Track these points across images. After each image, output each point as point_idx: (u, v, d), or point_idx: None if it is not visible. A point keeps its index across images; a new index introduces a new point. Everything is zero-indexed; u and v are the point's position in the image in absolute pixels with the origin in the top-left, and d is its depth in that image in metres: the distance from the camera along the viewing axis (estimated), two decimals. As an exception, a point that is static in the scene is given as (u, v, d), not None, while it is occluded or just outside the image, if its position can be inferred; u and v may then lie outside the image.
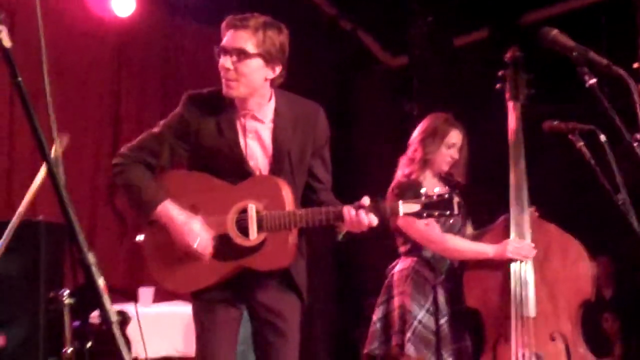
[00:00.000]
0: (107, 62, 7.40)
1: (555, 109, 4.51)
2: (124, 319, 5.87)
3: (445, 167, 5.14)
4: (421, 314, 4.94)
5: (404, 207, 3.87)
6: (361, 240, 3.88)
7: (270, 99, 4.03)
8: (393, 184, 5.14)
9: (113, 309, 2.01)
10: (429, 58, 8.69)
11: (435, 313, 4.96)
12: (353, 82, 9.67)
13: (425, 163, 5.11)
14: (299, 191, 4.09)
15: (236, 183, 3.97)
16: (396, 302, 5.01)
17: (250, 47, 3.88)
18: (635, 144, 3.14)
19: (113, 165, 4.01)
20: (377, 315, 5.10)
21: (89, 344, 2.11)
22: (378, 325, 5.07)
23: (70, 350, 2.08)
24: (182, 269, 4.00)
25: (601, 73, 3.24)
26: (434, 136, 5.12)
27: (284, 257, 3.98)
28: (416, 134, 5.19)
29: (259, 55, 3.88)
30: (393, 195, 5.07)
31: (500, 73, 5.22)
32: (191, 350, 5.86)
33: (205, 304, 4.07)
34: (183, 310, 6.15)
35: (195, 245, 3.88)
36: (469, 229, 5.24)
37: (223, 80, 3.92)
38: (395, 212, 3.90)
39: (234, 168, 4.00)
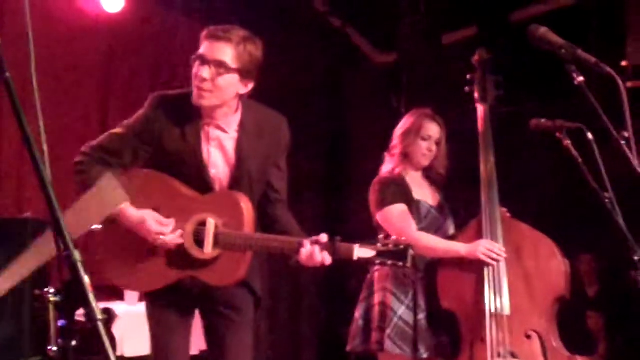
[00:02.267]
0: (96, 58, 7.39)
1: (542, 107, 4.52)
2: (110, 317, 5.87)
3: (424, 161, 5.15)
4: (401, 310, 4.96)
5: (358, 252, 3.88)
6: (348, 240, 3.87)
7: (236, 111, 4.06)
8: (375, 179, 5.16)
9: (99, 307, 2.00)
10: (417, 55, 8.70)
11: (414, 308, 4.97)
12: (342, 79, 9.68)
13: (404, 157, 5.13)
14: (257, 203, 4.13)
15: (199, 192, 4.01)
16: (376, 298, 5.03)
17: (230, 61, 3.89)
18: (622, 142, 3.15)
19: (74, 164, 3.99)
20: (359, 312, 5.11)
21: (74, 342, 2.10)
22: (360, 322, 5.09)
23: (55, 348, 2.07)
24: (134, 269, 4.03)
25: (589, 71, 3.25)
26: (410, 130, 5.16)
27: (235, 275, 4.01)
28: (397, 129, 5.22)
29: (237, 70, 3.91)
30: (374, 190, 5.10)
31: (468, 76, 5.24)
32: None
33: (159, 307, 4.12)
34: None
35: (161, 239, 3.90)
36: (451, 230, 5.24)
37: (195, 89, 3.93)
38: (349, 255, 3.89)
39: (195, 175, 4.03)
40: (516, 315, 4.81)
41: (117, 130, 4.06)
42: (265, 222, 4.17)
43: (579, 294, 7.77)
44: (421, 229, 4.99)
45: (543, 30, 3.39)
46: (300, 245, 3.88)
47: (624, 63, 7.34)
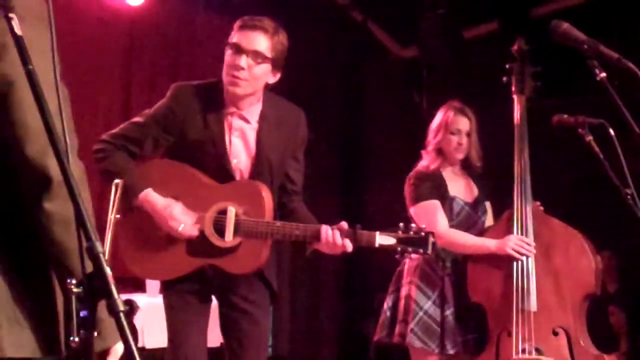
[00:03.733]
0: (118, 50, 7.41)
1: (564, 103, 4.51)
2: (132, 309, 5.89)
3: (457, 155, 5.15)
4: (427, 305, 4.96)
5: (380, 239, 3.95)
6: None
7: (259, 101, 4.10)
8: (411, 174, 5.15)
9: (120, 298, 2.01)
10: (439, 50, 8.68)
11: (442, 304, 4.97)
12: (363, 73, 9.67)
13: (438, 153, 5.13)
14: (275, 193, 4.16)
15: (218, 181, 4.04)
16: (404, 291, 5.04)
17: (266, 51, 3.95)
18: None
19: (95, 151, 4.00)
20: (387, 304, 5.13)
21: (95, 334, 2.11)
22: (388, 313, 5.11)
23: (77, 339, 2.08)
24: (154, 257, 4.07)
25: (611, 67, 3.24)
26: (440, 125, 5.17)
27: (255, 263, 4.04)
28: (431, 125, 5.23)
29: (271, 60, 3.97)
30: (409, 184, 5.10)
31: (507, 66, 5.21)
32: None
33: (176, 293, 4.14)
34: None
35: (180, 229, 3.94)
36: (486, 226, 5.22)
37: (229, 77, 3.98)
38: (370, 243, 3.97)
39: (215, 164, 4.06)
40: (544, 311, 4.80)
41: (138, 119, 4.11)
42: (283, 213, 4.20)
43: (600, 290, 7.76)
44: (452, 226, 4.99)
45: (565, 25, 3.37)
46: (320, 233, 3.93)
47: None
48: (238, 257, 4.01)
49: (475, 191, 5.19)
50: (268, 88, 4.11)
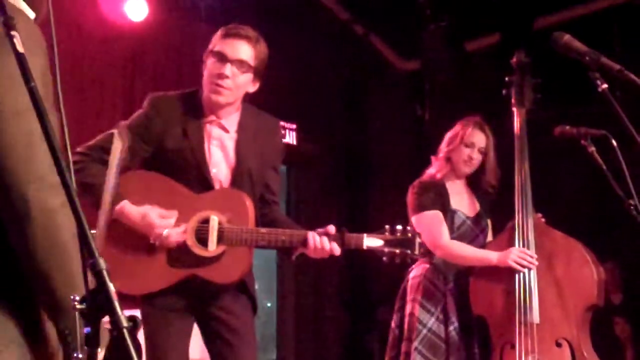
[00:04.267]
0: (121, 65, 7.41)
1: (566, 114, 4.51)
2: (135, 325, 5.87)
3: (465, 168, 5.14)
4: (431, 322, 4.94)
5: (367, 241, 3.96)
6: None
7: (237, 110, 4.10)
8: (415, 182, 5.14)
9: (124, 314, 2.01)
10: (441, 62, 8.69)
11: (445, 320, 4.95)
12: (366, 86, 9.68)
13: (447, 161, 5.13)
14: (257, 203, 4.12)
15: (198, 191, 3.99)
16: (408, 309, 5.03)
17: (250, 60, 3.96)
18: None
19: (73, 163, 3.90)
20: (395, 322, 5.13)
21: (99, 350, 2.11)
22: (396, 332, 5.10)
23: (81, 355, 2.08)
24: (134, 270, 3.96)
25: (613, 78, 3.24)
26: (456, 135, 5.17)
27: (240, 271, 4.01)
28: (447, 134, 5.23)
29: (253, 69, 3.98)
30: (412, 193, 5.09)
31: (506, 78, 5.21)
32: (199, 355, 5.88)
33: (158, 311, 4.03)
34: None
35: (165, 233, 3.86)
36: (486, 242, 5.21)
37: (212, 86, 3.98)
38: (359, 245, 3.97)
39: (194, 174, 4.01)
40: (546, 323, 4.79)
41: (115, 130, 4.03)
42: (264, 222, 4.14)
43: (604, 301, 7.75)
44: (452, 239, 4.97)
45: (567, 37, 3.38)
46: (307, 239, 3.91)
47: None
48: (222, 266, 3.96)
49: (477, 206, 5.18)
50: (246, 99, 4.11)
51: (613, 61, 3.27)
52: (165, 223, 3.87)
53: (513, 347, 4.79)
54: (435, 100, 8.54)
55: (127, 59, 7.40)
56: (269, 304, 8.95)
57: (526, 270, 4.83)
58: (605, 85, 3.25)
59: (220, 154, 4.05)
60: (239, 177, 4.05)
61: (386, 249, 3.95)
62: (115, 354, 1.99)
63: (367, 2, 8.61)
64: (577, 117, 4.24)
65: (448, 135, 5.21)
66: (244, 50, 3.97)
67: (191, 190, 4.00)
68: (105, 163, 3.71)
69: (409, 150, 5.19)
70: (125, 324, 1.98)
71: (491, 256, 4.91)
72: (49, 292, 2.33)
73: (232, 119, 4.08)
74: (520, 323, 4.78)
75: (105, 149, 3.81)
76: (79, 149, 3.95)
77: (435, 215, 4.98)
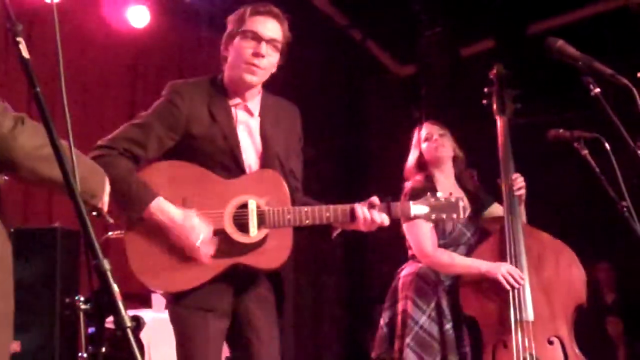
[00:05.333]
0: (123, 71, 7.43)
1: (559, 118, 4.51)
2: (138, 324, 5.88)
3: (437, 153, 5.10)
4: (422, 319, 4.91)
5: (414, 209, 3.85)
6: (371, 247, 3.86)
7: (259, 93, 3.92)
8: (406, 189, 5.12)
9: (127, 314, 2.01)
10: (436, 67, 8.71)
11: (439, 318, 4.94)
12: (363, 90, 9.69)
13: (419, 169, 5.12)
14: None
15: (229, 177, 3.76)
16: (400, 306, 5.00)
17: (281, 39, 3.79)
18: (638, 152, 3.14)
19: (94, 157, 3.54)
20: (384, 319, 5.08)
21: (103, 349, 2.11)
22: (385, 329, 5.06)
23: (85, 355, 2.09)
24: (174, 266, 3.69)
25: (606, 82, 3.25)
26: (413, 146, 5.23)
27: (284, 254, 3.76)
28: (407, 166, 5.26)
29: (281, 49, 3.81)
30: (405, 200, 5.06)
31: (485, 90, 5.21)
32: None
33: (194, 312, 3.75)
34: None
35: (198, 243, 3.61)
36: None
37: (247, 66, 3.75)
38: (406, 213, 3.86)
39: (226, 159, 3.78)
40: (538, 321, 4.78)
41: (137, 120, 3.80)
42: None
43: (597, 300, 7.77)
44: (443, 244, 4.96)
45: (560, 42, 3.39)
46: (354, 210, 3.76)
47: (639, 74, 7.32)
48: (267, 251, 3.73)
49: (470, 209, 5.16)
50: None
51: (605, 66, 3.28)
52: (204, 230, 3.63)
53: (506, 346, 4.76)
54: (431, 104, 8.54)
55: (129, 64, 7.41)
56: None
57: (510, 288, 4.81)
58: (597, 89, 3.26)
59: (248, 138, 3.84)
60: (269, 161, 3.84)
61: (433, 215, 3.86)
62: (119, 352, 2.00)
63: (364, 8, 8.61)
64: (572, 121, 4.23)
65: (408, 164, 5.25)
66: (276, 29, 3.78)
67: (223, 176, 3.74)
68: (131, 156, 3.67)
69: (407, 152, 5.18)
70: (128, 323, 1.98)
71: (480, 265, 4.88)
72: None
73: (255, 102, 3.88)
74: (515, 321, 4.78)
75: (130, 140, 3.70)
76: (100, 142, 3.70)
77: (424, 224, 4.96)
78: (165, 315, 6.12)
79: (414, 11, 8.54)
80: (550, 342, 4.78)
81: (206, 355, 3.75)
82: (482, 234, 5.16)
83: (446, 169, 5.10)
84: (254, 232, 3.69)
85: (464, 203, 3.89)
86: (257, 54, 3.72)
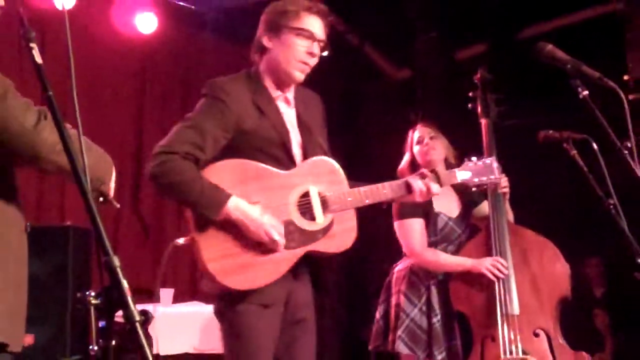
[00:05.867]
0: (131, 76, 7.43)
1: (549, 119, 4.51)
2: (147, 318, 5.86)
3: (427, 157, 5.09)
4: (414, 312, 4.93)
5: (459, 175, 3.96)
6: (368, 246, 3.85)
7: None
8: None
9: (136, 308, 2.01)
10: (431, 71, 8.71)
11: (428, 312, 4.95)
12: (361, 93, 9.68)
13: (413, 167, 5.13)
14: None
15: (281, 168, 3.67)
16: (394, 300, 5.02)
17: (326, 41, 3.76)
18: (625, 152, 3.15)
19: (158, 164, 3.48)
20: (379, 312, 5.10)
21: (113, 342, 2.11)
22: (380, 322, 5.07)
23: (96, 348, 2.09)
24: (253, 263, 3.58)
25: (593, 85, 3.25)
26: (405, 149, 5.25)
27: (352, 236, 3.74)
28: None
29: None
30: (397, 207, 5.06)
31: (470, 94, 5.21)
32: (207, 347, 5.88)
33: (256, 308, 3.60)
34: (200, 310, 6.20)
35: (277, 236, 3.52)
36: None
37: (300, 64, 3.70)
38: (453, 180, 3.97)
39: (278, 151, 3.69)
40: (524, 314, 4.80)
41: (189, 122, 3.62)
42: None
43: (586, 294, 7.78)
44: (435, 241, 4.96)
45: (549, 47, 3.40)
46: (410, 183, 3.79)
47: (625, 77, 7.33)
48: (335, 235, 3.69)
49: (461, 206, 5.17)
50: None
51: (593, 69, 3.28)
52: (277, 225, 3.55)
53: (494, 339, 4.78)
54: (427, 106, 8.54)
55: (137, 68, 7.41)
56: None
57: (496, 278, 4.82)
58: (586, 92, 3.26)
59: (290, 128, 3.76)
60: (313, 149, 3.79)
61: (475, 179, 3.97)
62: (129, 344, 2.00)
63: (362, 14, 8.60)
64: (561, 122, 4.23)
65: (400, 167, 5.24)
66: (324, 31, 3.73)
67: (278, 168, 3.66)
68: (193, 159, 3.51)
69: (401, 152, 5.18)
70: (137, 317, 1.98)
71: (466, 263, 4.89)
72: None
73: (291, 93, 3.82)
74: (501, 315, 4.80)
75: (190, 144, 3.53)
76: (159, 149, 3.52)
77: (414, 223, 4.95)
78: (171, 309, 6.12)
79: (409, 17, 8.54)
80: (536, 335, 4.80)
81: (267, 349, 3.66)
82: (472, 231, 5.17)
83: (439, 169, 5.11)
84: (321, 218, 3.65)
85: (497, 163, 4.01)
86: (311, 54, 3.69)
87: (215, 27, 7.76)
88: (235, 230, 3.53)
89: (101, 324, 2.08)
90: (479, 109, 5.15)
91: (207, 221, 3.51)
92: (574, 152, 4.04)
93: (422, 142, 5.14)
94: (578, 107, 3.28)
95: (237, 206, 3.49)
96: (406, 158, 5.21)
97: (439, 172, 3.88)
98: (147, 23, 7.07)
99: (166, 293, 6.30)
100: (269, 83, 3.76)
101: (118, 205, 2.83)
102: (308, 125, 3.81)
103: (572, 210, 6.86)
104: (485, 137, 5.09)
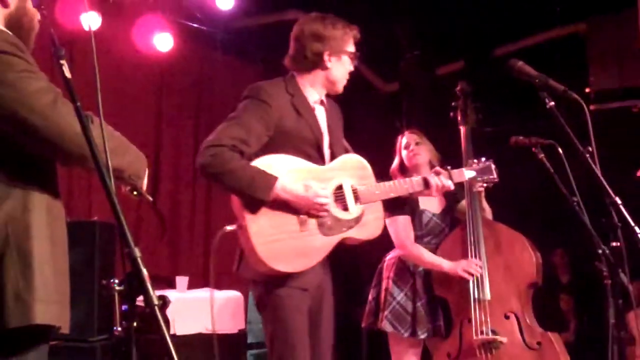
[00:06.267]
0: (150, 88, 7.42)
1: (521, 127, 4.51)
2: (164, 303, 5.87)
3: (413, 160, 5.13)
4: (400, 296, 4.95)
5: (467, 174, 4.12)
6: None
7: None
8: None
9: (155, 294, 2.01)
10: (416, 84, 8.70)
11: (413, 297, 4.96)
12: (352, 105, 9.62)
13: (401, 172, 5.13)
14: None
15: (319, 164, 3.68)
16: (383, 284, 5.04)
17: None
18: (587, 156, 3.15)
19: (209, 156, 3.42)
20: (372, 295, 5.12)
21: (135, 324, 2.11)
22: (372, 304, 5.09)
23: (119, 329, 2.09)
24: (297, 248, 3.55)
25: (559, 97, 3.25)
26: (395, 153, 5.27)
27: (381, 224, 3.82)
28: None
29: None
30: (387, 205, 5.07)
31: (452, 104, 5.21)
32: (217, 328, 5.86)
33: (296, 292, 3.58)
34: (210, 295, 6.20)
35: (325, 200, 3.54)
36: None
37: (344, 81, 3.93)
38: (462, 177, 4.10)
39: (310, 148, 3.69)
40: (496, 299, 4.81)
41: (234, 121, 3.56)
42: None
43: (553, 280, 7.79)
44: (421, 235, 4.97)
45: (520, 63, 3.40)
46: (427, 180, 3.90)
47: (587, 90, 7.35)
48: (366, 224, 3.72)
49: (444, 203, 5.17)
50: None
51: (558, 83, 3.29)
52: (325, 192, 3.57)
53: (470, 321, 4.80)
54: (411, 116, 8.53)
55: (156, 82, 7.41)
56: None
57: (472, 277, 4.83)
58: (552, 103, 3.27)
59: (323, 131, 3.79)
60: (338, 151, 3.82)
61: (479, 177, 4.17)
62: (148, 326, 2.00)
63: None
64: (531, 130, 4.24)
65: (395, 160, 5.26)
66: None
67: (313, 163, 3.66)
68: (239, 152, 3.46)
69: (390, 159, 5.19)
70: (156, 302, 1.98)
71: (443, 264, 4.89)
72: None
73: (324, 101, 3.87)
74: (474, 300, 4.82)
75: (237, 139, 3.47)
76: (209, 144, 3.46)
77: (404, 220, 4.97)
78: (186, 294, 6.12)
79: (396, 36, 8.54)
80: (507, 317, 4.82)
81: (304, 333, 3.62)
82: (454, 224, 5.18)
83: (423, 172, 5.08)
84: (354, 209, 3.67)
85: (493, 165, 4.28)
86: (350, 73, 3.90)
87: (224, 46, 7.76)
88: (281, 215, 3.50)
89: (124, 307, 2.08)
90: (459, 117, 5.16)
91: (255, 208, 3.46)
92: (542, 155, 4.03)
93: (409, 147, 5.16)
94: (545, 116, 3.28)
95: (284, 186, 3.47)
96: (396, 161, 5.23)
97: (450, 171, 3.96)
98: (164, 42, 7.07)
99: (181, 280, 6.29)
100: (308, 89, 3.79)
101: (150, 199, 2.80)
102: (334, 129, 3.84)
103: (540, 207, 6.86)
104: (463, 142, 5.09)
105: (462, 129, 5.13)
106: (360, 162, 3.83)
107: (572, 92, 3.23)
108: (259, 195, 3.43)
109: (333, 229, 3.62)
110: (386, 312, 4.93)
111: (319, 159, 3.71)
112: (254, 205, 3.46)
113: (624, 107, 7.10)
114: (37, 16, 2.59)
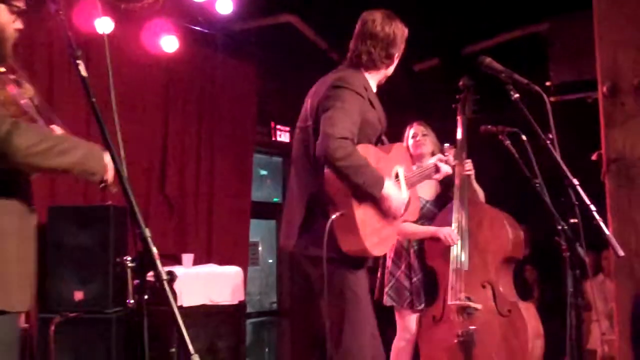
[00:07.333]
0: (158, 87, 7.37)
1: (490, 117, 4.52)
2: (172, 278, 5.86)
3: (417, 149, 5.25)
4: (398, 273, 5.08)
5: (453, 161, 4.34)
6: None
7: None
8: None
9: (163, 270, 2.01)
10: (395, 80, 8.69)
11: (409, 273, 5.05)
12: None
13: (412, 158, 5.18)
14: None
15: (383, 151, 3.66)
16: (387, 263, 5.16)
17: None
18: (548, 142, 3.16)
19: (338, 148, 3.30)
20: (379, 273, 5.24)
21: (146, 297, 2.11)
22: (377, 282, 5.23)
23: (132, 301, 2.10)
24: (385, 235, 3.56)
25: (523, 89, 3.26)
26: (405, 138, 5.31)
27: (419, 206, 4.03)
28: None
29: None
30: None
31: (457, 96, 5.25)
32: (219, 300, 5.89)
33: (362, 270, 3.58)
34: (213, 270, 6.30)
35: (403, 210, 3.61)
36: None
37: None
38: (450, 163, 4.22)
39: (374, 138, 3.67)
40: (475, 270, 4.89)
41: (342, 112, 3.44)
42: None
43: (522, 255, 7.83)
44: (415, 220, 5.02)
45: (488, 60, 3.41)
46: (438, 167, 4.03)
47: (547, 83, 7.36)
48: (411, 206, 3.75)
49: (438, 190, 5.26)
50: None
51: (522, 77, 3.30)
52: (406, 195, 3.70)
53: (452, 288, 4.88)
54: (392, 109, 8.53)
55: (163, 81, 7.36)
56: (270, 260, 8.93)
57: (451, 243, 4.90)
58: (517, 95, 3.28)
59: None
60: (381, 137, 3.80)
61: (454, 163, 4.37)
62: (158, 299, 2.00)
63: (341, 35, 8.58)
64: (500, 119, 4.25)
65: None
66: None
67: (381, 152, 3.65)
68: (352, 143, 3.38)
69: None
70: (165, 277, 1.99)
71: (431, 229, 5.00)
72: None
73: None
74: (454, 270, 4.88)
75: (352, 131, 3.42)
76: (338, 135, 3.33)
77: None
78: (191, 270, 6.11)
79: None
80: (483, 286, 4.89)
81: (372, 311, 3.63)
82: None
83: (426, 160, 5.14)
84: (405, 194, 3.69)
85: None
86: None
87: (225, 47, 7.72)
88: (377, 207, 3.48)
89: (136, 282, 2.08)
90: (459, 108, 5.21)
91: (362, 199, 3.42)
92: (508, 142, 4.05)
93: (416, 137, 5.24)
94: (511, 107, 3.29)
95: (388, 185, 3.47)
96: None
97: (448, 159, 4.22)
98: (170, 44, 7.02)
99: (187, 257, 6.29)
100: (372, 84, 3.79)
101: (115, 190, 2.68)
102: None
103: (505, 188, 6.87)
104: (460, 131, 5.18)
105: (459, 118, 5.18)
106: (405, 150, 3.93)
107: (535, 85, 3.24)
108: (374, 192, 3.42)
109: (397, 217, 3.65)
110: (386, 289, 5.06)
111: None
112: (363, 196, 3.42)
113: (581, 98, 7.12)
114: (16, 25, 2.54)
